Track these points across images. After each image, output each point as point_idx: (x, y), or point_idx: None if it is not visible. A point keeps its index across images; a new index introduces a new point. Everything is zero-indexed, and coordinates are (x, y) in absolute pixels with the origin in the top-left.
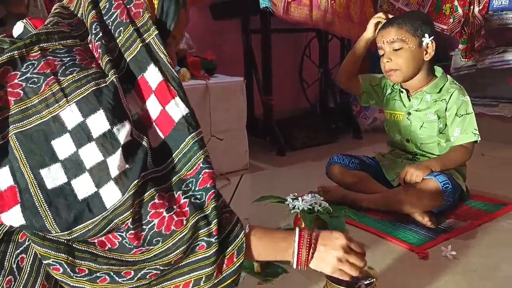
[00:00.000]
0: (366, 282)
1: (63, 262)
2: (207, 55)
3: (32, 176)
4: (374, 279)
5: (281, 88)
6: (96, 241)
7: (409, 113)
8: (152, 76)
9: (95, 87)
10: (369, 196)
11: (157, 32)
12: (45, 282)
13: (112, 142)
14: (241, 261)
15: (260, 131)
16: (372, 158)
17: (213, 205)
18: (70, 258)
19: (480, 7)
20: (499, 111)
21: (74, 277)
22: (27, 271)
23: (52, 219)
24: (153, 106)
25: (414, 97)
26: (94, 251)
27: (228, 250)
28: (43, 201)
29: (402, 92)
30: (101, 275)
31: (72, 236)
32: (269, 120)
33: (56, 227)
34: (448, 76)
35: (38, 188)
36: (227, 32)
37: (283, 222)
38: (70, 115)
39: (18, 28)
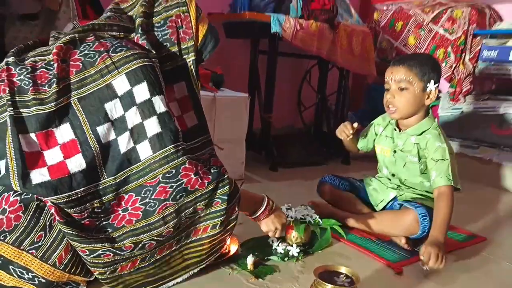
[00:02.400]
0: (348, 281)
1: (110, 249)
2: (216, 69)
3: (91, 132)
4: (355, 280)
5: (280, 107)
6: (123, 223)
7: (395, 151)
8: (180, 89)
9: (141, 64)
10: (354, 215)
11: (194, 58)
12: (69, 244)
13: (150, 109)
14: (238, 209)
15: (256, 146)
16: (361, 181)
17: (227, 175)
18: (111, 244)
19: (471, 56)
20: (479, 154)
21: (126, 254)
22: (57, 231)
23: (103, 168)
24: (174, 108)
25: (399, 137)
26: (130, 229)
27: (232, 203)
28: (99, 151)
29: (395, 129)
30: (147, 242)
31: (116, 181)
32: (266, 136)
33: (105, 173)
34: (435, 120)
35: (96, 142)
36: (236, 50)
37: None
38: (121, 84)
39: (67, 29)
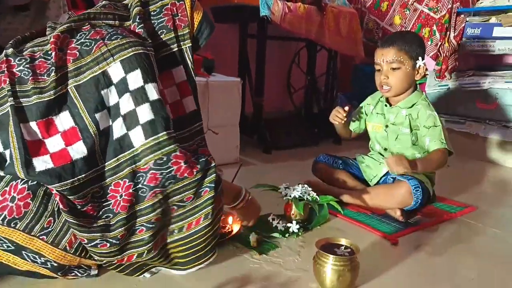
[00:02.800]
0: (348, 251)
1: (107, 239)
2: (207, 54)
3: (90, 119)
4: (355, 251)
5: (270, 90)
6: (119, 209)
7: (386, 126)
8: (178, 74)
9: (136, 51)
10: (349, 192)
11: (190, 44)
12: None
13: (142, 96)
14: (222, 199)
15: (248, 129)
16: (354, 159)
17: (214, 163)
18: (107, 234)
19: (455, 34)
20: (465, 128)
21: (122, 243)
22: (64, 217)
23: (101, 154)
24: (171, 94)
25: (390, 112)
26: (124, 216)
27: (218, 192)
28: (98, 138)
29: (386, 105)
30: (138, 227)
31: (111, 167)
32: (258, 119)
33: (102, 159)
34: (423, 92)
35: (95, 128)
36: (224, 34)
37: (275, 208)
38: (116, 72)
39: (62, 19)
